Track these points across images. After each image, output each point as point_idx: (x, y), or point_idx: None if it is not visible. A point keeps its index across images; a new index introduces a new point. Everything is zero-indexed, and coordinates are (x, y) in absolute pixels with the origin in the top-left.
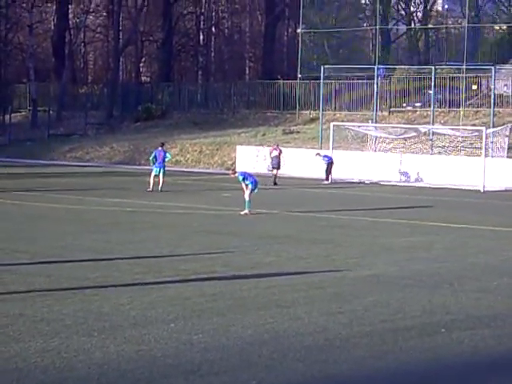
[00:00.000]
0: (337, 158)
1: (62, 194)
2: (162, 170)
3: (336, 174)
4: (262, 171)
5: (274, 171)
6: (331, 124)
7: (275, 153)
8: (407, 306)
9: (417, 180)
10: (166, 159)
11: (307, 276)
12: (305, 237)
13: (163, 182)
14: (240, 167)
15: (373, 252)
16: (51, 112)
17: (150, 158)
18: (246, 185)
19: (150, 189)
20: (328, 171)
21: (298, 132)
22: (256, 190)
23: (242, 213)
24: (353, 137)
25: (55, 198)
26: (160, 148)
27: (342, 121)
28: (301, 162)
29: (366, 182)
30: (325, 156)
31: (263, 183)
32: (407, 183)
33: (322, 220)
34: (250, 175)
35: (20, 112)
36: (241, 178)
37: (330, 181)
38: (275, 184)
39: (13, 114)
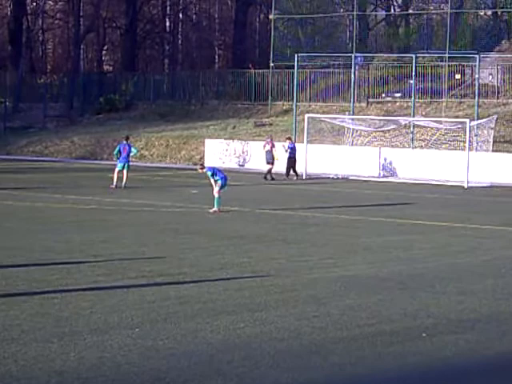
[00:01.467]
0: (312, 152)
1: (19, 191)
2: (126, 166)
3: (311, 168)
4: (232, 166)
5: (268, 166)
6: (306, 116)
7: (268, 147)
8: (386, 309)
9: (397, 175)
10: (131, 154)
11: (280, 278)
12: (277, 236)
13: (127, 177)
14: (209, 162)
15: (350, 252)
16: (7, 103)
17: (114, 153)
18: (216, 181)
19: (114, 185)
20: (290, 166)
21: (271, 124)
22: (226, 187)
23: (211, 210)
24: (328, 129)
25: (11, 194)
26: (124, 142)
27: (317, 112)
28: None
29: (340, 176)
30: (290, 147)
31: (254, 180)
32: (387, 179)
33: (295, 218)
34: (220, 171)
35: None
36: (209, 173)
37: (289, 177)
38: (266, 179)
39: None
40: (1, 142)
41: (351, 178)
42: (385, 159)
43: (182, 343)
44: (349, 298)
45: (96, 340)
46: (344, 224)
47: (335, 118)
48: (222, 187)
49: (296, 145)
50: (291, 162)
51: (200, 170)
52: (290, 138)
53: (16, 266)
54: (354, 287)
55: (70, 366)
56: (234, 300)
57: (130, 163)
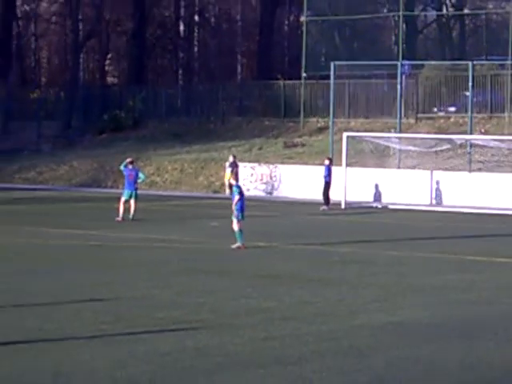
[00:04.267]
0: (351, 177)
1: (11, 225)
2: (133, 194)
3: (351, 196)
4: (258, 194)
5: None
6: (344, 134)
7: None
8: (440, 361)
9: (451, 203)
10: (139, 180)
11: (316, 325)
12: (312, 275)
13: (135, 208)
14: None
15: (397, 294)
16: None
17: (121, 168)
18: (236, 203)
19: (120, 218)
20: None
21: (303, 145)
22: (243, 218)
23: (234, 246)
24: (371, 150)
25: (2, 230)
26: (130, 166)
27: (358, 130)
28: (306, 183)
29: (383, 206)
30: (327, 168)
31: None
32: (439, 207)
33: (333, 254)
34: (243, 200)
35: None
36: (236, 191)
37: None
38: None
39: None
40: None
41: (397, 206)
42: (437, 184)
43: None
44: (396, 349)
45: None
46: (391, 261)
47: (379, 137)
48: (239, 219)
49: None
50: (328, 187)
51: (232, 181)
52: (330, 159)
53: (7, 312)
54: (403, 335)
55: None
56: (262, 351)
57: (138, 191)
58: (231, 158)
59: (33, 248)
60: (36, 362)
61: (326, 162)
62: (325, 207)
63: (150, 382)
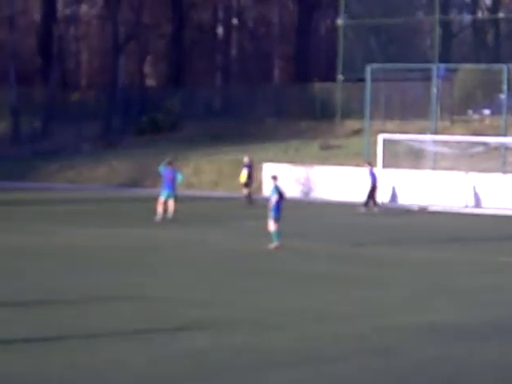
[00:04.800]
0: (387, 179)
1: (51, 225)
2: (171, 195)
3: (387, 197)
4: (294, 195)
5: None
6: (380, 136)
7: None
8: (472, 361)
9: (486, 205)
10: (178, 181)
11: (348, 324)
12: (347, 276)
13: (174, 209)
14: (268, 190)
15: (431, 294)
16: (36, 124)
17: (161, 169)
18: (273, 203)
19: (159, 218)
20: (371, 194)
21: (339, 147)
22: (279, 218)
23: (271, 246)
24: (405, 152)
25: (41, 230)
26: (169, 167)
27: (393, 132)
28: (342, 184)
29: (421, 207)
30: (371, 173)
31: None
32: (474, 209)
33: (368, 255)
34: (282, 201)
35: None
36: (273, 191)
37: (369, 208)
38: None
39: None
40: (29, 168)
41: (433, 208)
42: (472, 187)
43: None
44: (429, 349)
45: None
46: (425, 262)
47: (414, 139)
48: (275, 219)
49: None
50: (373, 189)
51: (272, 180)
52: (369, 163)
53: (46, 309)
54: (435, 336)
55: None
56: (297, 350)
57: (177, 192)
58: (246, 160)
59: (71, 247)
60: (72, 359)
61: (367, 167)
62: (363, 209)
63: (186, 380)
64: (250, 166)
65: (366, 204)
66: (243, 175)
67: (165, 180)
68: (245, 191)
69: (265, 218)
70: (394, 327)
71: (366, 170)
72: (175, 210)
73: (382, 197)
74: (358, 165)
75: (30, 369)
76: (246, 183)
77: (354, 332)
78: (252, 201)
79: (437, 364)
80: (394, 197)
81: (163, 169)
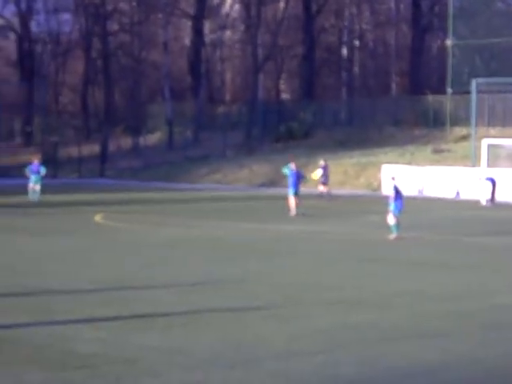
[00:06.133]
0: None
1: (200, 220)
2: (296, 192)
3: (488, 194)
4: (410, 193)
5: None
6: (484, 141)
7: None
8: None
9: None
10: (303, 180)
11: (461, 303)
12: (457, 263)
13: (299, 204)
14: (386, 189)
15: None
16: (188, 133)
17: (285, 171)
18: (392, 199)
19: (293, 213)
20: (492, 192)
21: (449, 150)
22: (398, 214)
23: (390, 237)
24: (507, 155)
25: (192, 224)
26: (293, 168)
27: (495, 137)
28: (452, 183)
29: None
30: (488, 178)
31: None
32: None
33: (479, 244)
34: (399, 198)
35: (155, 133)
36: (395, 189)
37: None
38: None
39: (148, 136)
40: (181, 171)
41: None
42: None
43: (365, 370)
44: None
45: (278, 367)
46: None
47: None
48: (394, 214)
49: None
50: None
51: (391, 180)
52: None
53: (194, 293)
54: None
55: None
56: (414, 326)
57: (304, 190)
58: (322, 162)
59: (218, 239)
60: (221, 334)
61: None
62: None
63: (319, 353)
64: (325, 167)
65: (491, 200)
66: (315, 174)
67: (291, 179)
68: (321, 189)
69: (385, 213)
70: (502, 305)
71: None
72: (302, 206)
73: (485, 194)
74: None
75: (180, 341)
76: (324, 182)
77: (467, 310)
78: (332, 197)
79: None
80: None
81: (288, 170)
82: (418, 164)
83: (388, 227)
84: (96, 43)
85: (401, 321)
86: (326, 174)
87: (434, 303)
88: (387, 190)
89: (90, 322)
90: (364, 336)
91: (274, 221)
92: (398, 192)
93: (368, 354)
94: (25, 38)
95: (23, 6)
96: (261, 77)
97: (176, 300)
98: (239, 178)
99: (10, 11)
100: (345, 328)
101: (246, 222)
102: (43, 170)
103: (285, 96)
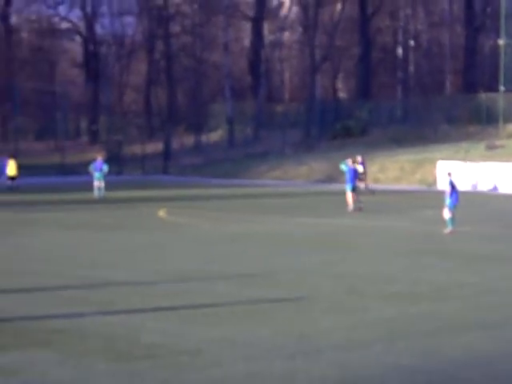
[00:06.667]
0: None
1: (261, 215)
2: (354, 187)
3: None
4: (465, 189)
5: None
6: None
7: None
8: None
9: None
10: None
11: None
12: (510, 255)
13: (357, 199)
14: (441, 184)
15: None
16: (248, 131)
17: (343, 167)
18: (447, 196)
19: (351, 208)
20: None
21: (502, 147)
22: (453, 209)
23: (446, 231)
24: None
25: (253, 219)
26: (351, 164)
27: None
28: (506, 178)
29: None
30: None
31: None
32: None
33: None
34: (455, 193)
35: (216, 131)
36: (450, 184)
37: None
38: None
39: (209, 134)
40: (242, 168)
41: None
42: None
43: (423, 360)
44: None
45: (338, 357)
46: None
47: None
48: (449, 208)
49: None
50: None
51: (447, 175)
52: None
53: (255, 286)
54: None
55: (313, 383)
56: (470, 317)
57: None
58: (359, 158)
59: (278, 234)
60: (282, 326)
61: None
62: None
63: (379, 343)
64: (363, 163)
65: None
66: (346, 166)
67: (348, 175)
68: (361, 185)
69: (440, 208)
70: None
71: None
72: (359, 201)
73: None
74: None
75: (242, 333)
76: (361, 177)
77: None
78: (372, 191)
79: None
80: None
81: (345, 167)
82: (471, 160)
83: (444, 221)
84: (159, 45)
85: (458, 312)
86: (365, 170)
87: (491, 295)
88: (443, 186)
89: (155, 313)
90: (423, 327)
91: (333, 215)
92: (453, 187)
93: (428, 344)
94: (90, 40)
95: (89, 9)
96: (318, 76)
97: (237, 292)
98: (298, 175)
99: (76, 15)
100: (404, 319)
101: (306, 217)
102: (106, 168)
103: (341, 95)
